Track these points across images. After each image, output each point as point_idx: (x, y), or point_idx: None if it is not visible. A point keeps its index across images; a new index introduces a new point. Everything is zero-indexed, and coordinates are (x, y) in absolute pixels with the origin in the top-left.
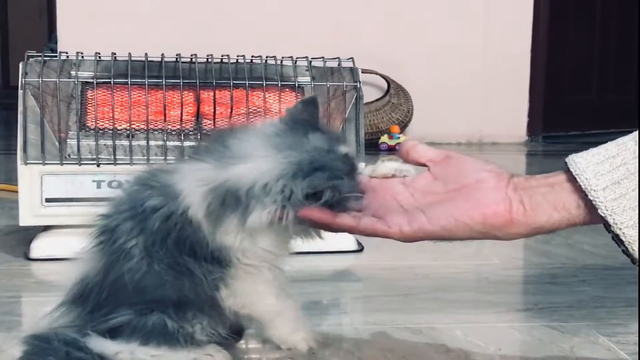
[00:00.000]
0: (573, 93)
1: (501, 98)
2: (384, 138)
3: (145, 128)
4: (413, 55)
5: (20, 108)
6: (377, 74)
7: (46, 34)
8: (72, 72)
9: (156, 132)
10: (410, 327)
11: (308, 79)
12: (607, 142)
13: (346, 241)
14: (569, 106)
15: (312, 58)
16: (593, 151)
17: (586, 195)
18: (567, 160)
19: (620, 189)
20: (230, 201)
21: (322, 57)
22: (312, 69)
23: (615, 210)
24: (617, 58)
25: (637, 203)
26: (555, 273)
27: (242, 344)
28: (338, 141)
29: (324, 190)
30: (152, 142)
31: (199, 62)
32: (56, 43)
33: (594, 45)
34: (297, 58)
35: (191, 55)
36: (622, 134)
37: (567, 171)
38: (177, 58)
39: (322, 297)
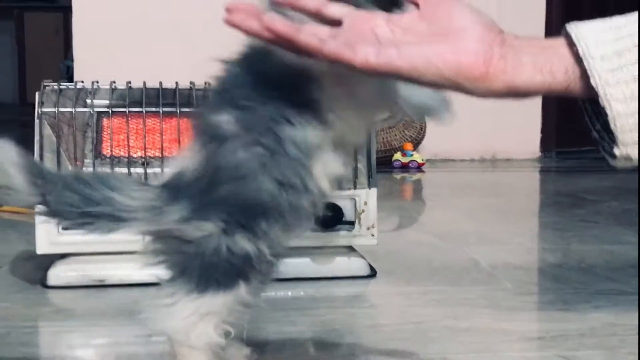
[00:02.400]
0: None
1: (514, 114)
2: (397, 155)
3: (160, 156)
4: None
5: (36, 137)
6: None
7: (62, 51)
8: (87, 101)
9: (171, 160)
10: (422, 357)
11: None
12: None
13: (359, 266)
14: (582, 121)
15: None
16: (598, 20)
17: (581, 62)
18: (567, 25)
19: (620, 60)
20: None
21: None
22: None
23: (609, 81)
24: None
25: (633, 76)
26: (567, 299)
27: None
28: None
29: None
30: (166, 170)
31: (211, 90)
32: (72, 60)
33: None
34: None
35: (205, 83)
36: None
37: (567, 36)
38: (191, 86)
39: (336, 324)
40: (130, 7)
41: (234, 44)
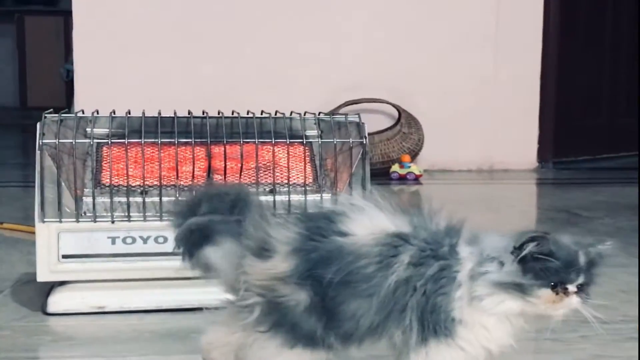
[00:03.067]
0: (583, 118)
1: (511, 125)
2: (395, 167)
3: (158, 184)
4: (423, 83)
5: (37, 168)
6: (388, 103)
7: (62, 54)
8: (87, 130)
9: (169, 189)
10: None
11: (315, 132)
12: (617, 166)
13: None
14: (580, 131)
15: (319, 113)
16: None
17: None
18: None
19: None
20: None
21: (330, 115)
22: (319, 123)
23: None
24: (628, 82)
25: None
26: (555, 328)
27: None
28: None
29: None
30: (164, 199)
31: (210, 118)
32: (72, 64)
33: (604, 69)
34: (305, 112)
35: (203, 112)
36: (631, 158)
37: None
38: (189, 115)
39: None
40: (130, 11)
41: (233, 69)
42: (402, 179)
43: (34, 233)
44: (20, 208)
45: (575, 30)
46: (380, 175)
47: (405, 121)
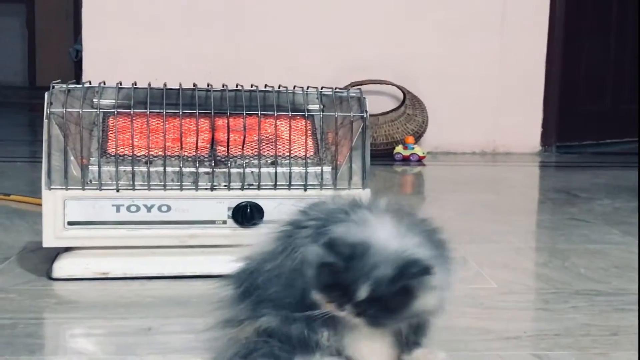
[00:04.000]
0: (587, 103)
1: (515, 108)
2: (399, 148)
3: (163, 155)
4: (429, 66)
5: (45, 136)
6: (393, 84)
7: (72, 35)
8: (94, 100)
9: (173, 159)
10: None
11: (317, 106)
12: (621, 152)
13: None
14: (583, 116)
15: (322, 87)
16: None
17: None
18: None
19: None
20: None
21: (332, 88)
22: (322, 97)
23: None
24: (632, 68)
25: None
26: (548, 299)
27: None
28: None
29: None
30: (168, 169)
31: (214, 91)
32: (81, 44)
33: (609, 55)
34: (307, 87)
35: (207, 85)
36: (635, 144)
37: None
38: (194, 87)
39: None
40: None
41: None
42: (406, 160)
43: (40, 205)
44: (28, 182)
45: (581, 15)
46: (384, 156)
47: (409, 103)
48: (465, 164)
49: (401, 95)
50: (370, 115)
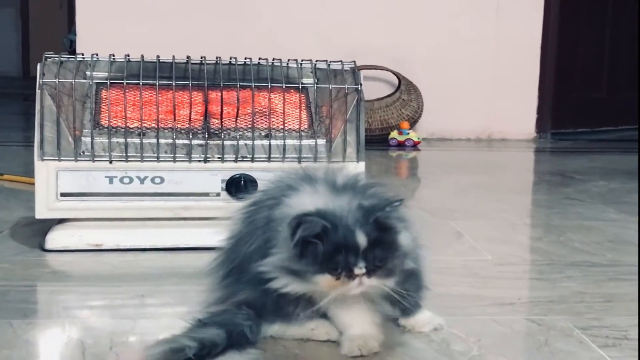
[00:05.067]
0: (582, 90)
1: (510, 95)
2: (394, 134)
3: (156, 127)
4: (424, 51)
5: (37, 107)
6: (388, 70)
7: (66, 25)
8: (87, 73)
9: (166, 131)
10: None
11: (312, 80)
12: (615, 139)
13: None
14: (578, 103)
15: (316, 60)
16: None
17: None
18: None
19: None
20: None
21: (326, 60)
22: (316, 71)
23: None
24: (628, 55)
25: None
26: (543, 269)
27: None
28: None
29: None
30: (162, 141)
31: (207, 64)
32: (75, 34)
33: (605, 42)
34: (302, 60)
35: (201, 57)
36: (630, 132)
37: None
38: (187, 60)
39: None
40: None
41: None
42: (401, 145)
43: (33, 184)
44: (21, 164)
45: (577, 3)
46: (379, 141)
47: (404, 88)
48: (461, 149)
49: (396, 81)
50: (365, 101)
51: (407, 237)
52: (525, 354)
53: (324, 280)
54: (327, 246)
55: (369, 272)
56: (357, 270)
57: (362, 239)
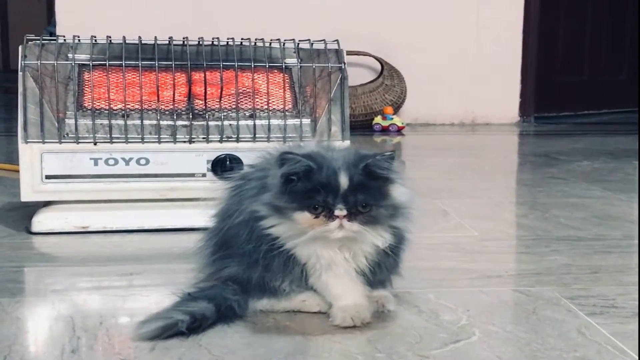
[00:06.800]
0: (565, 74)
1: (494, 79)
2: (378, 119)
3: (140, 108)
4: (406, 37)
5: (20, 89)
6: (371, 55)
7: (45, 17)
8: (69, 55)
9: (150, 112)
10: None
11: (295, 60)
12: (598, 122)
13: None
14: (561, 87)
15: (299, 40)
16: None
17: None
18: None
19: None
20: None
21: (309, 40)
22: (299, 51)
23: None
24: (609, 39)
25: None
26: (529, 244)
27: None
28: None
29: None
30: (146, 122)
31: (190, 45)
32: (55, 26)
33: (586, 26)
34: (284, 40)
35: (183, 38)
36: (613, 115)
37: None
38: (169, 41)
39: None
40: None
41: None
42: (385, 130)
43: (17, 171)
44: (3, 153)
45: (556, 11)
46: (363, 127)
47: (387, 74)
48: (445, 134)
49: (379, 67)
50: (349, 87)
51: (402, 191)
52: (513, 322)
53: (302, 218)
54: (308, 184)
55: (351, 216)
56: (337, 212)
57: (344, 181)
